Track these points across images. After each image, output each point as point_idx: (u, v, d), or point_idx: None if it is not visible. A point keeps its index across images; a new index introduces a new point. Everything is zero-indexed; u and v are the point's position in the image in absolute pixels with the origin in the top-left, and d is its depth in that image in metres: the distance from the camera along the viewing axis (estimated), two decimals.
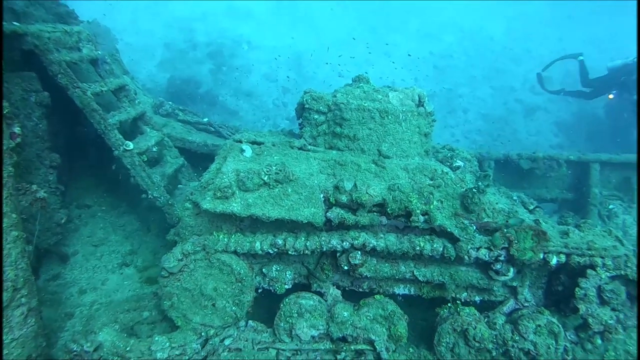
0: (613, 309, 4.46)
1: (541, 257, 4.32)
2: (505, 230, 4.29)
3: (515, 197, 5.64)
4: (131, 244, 6.38)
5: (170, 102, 7.48)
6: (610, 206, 7.99)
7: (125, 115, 5.78)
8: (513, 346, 4.50)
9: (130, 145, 5.40)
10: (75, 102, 5.22)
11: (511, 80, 18.64)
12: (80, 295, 5.47)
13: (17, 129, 3.63)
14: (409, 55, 17.61)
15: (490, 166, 7.82)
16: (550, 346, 4.51)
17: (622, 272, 4.38)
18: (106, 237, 6.44)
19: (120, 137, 5.37)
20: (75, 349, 3.90)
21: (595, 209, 7.87)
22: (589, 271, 4.41)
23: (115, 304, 5.05)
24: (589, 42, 22.66)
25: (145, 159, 5.63)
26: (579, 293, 4.42)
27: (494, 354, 4.56)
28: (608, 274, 4.40)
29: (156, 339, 4.15)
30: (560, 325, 4.51)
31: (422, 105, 4.82)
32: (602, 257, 4.39)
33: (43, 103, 5.27)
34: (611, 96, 12.67)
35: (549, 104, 17.59)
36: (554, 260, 4.37)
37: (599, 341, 4.57)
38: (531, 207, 5.25)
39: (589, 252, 4.38)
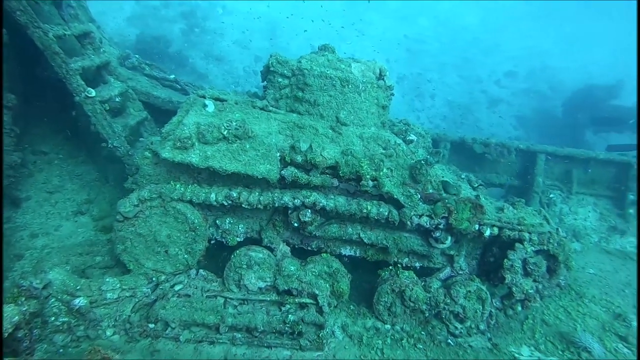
0: (534, 280, 4.94)
1: (476, 228, 4.70)
2: (446, 200, 4.63)
3: (463, 176, 6.02)
4: (88, 194, 6.36)
5: (137, 56, 7.34)
6: (551, 195, 8.60)
7: (89, 62, 5.69)
8: (444, 308, 4.93)
9: (92, 92, 5.35)
10: (35, 43, 5.09)
11: (479, 71, 19.21)
12: (31, 239, 5.46)
13: None
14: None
15: (446, 147, 8.22)
16: (477, 310, 4.97)
17: (545, 248, 4.84)
18: (62, 185, 6.39)
19: (82, 83, 5.31)
20: (23, 284, 3.96)
21: (537, 196, 8.46)
22: (517, 245, 4.84)
23: (68, 247, 5.10)
24: (557, 41, 23.51)
25: (107, 108, 5.59)
26: (506, 264, 4.86)
27: (427, 315, 4.97)
28: (533, 248, 4.85)
29: (107, 279, 4.28)
30: (487, 293, 4.96)
31: (382, 79, 5.04)
32: (530, 233, 4.82)
33: None
34: None
35: (512, 97, 18.27)
36: (487, 232, 4.76)
37: (519, 308, 5.06)
38: (475, 185, 5.64)
39: (519, 227, 4.81)
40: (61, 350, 3.98)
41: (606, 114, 15.06)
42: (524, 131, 16.91)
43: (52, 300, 4.05)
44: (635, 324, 5.50)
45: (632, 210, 8.49)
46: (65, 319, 4.06)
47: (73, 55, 5.66)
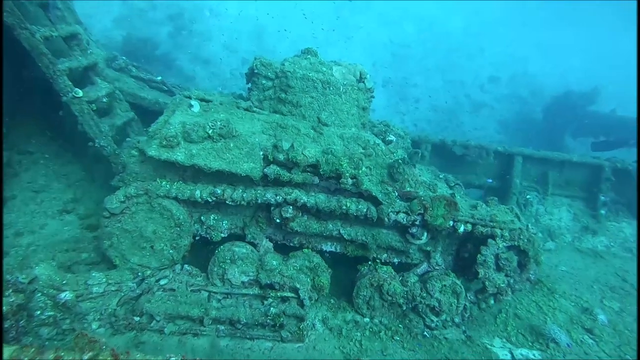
0: (506, 275, 5.18)
1: (451, 224, 4.92)
2: (422, 198, 4.85)
3: (441, 176, 6.27)
4: (74, 193, 6.42)
5: (123, 57, 7.45)
6: (528, 196, 8.92)
7: (76, 63, 5.80)
8: (421, 302, 5.12)
9: (80, 92, 5.45)
10: (22, 44, 5.17)
11: (462, 76, 19.64)
12: (16, 237, 5.50)
13: None
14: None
15: (427, 149, 8.47)
16: (452, 304, 5.18)
17: (516, 243, 5.08)
18: (48, 184, 6.45)
19: (70, 83, 5.41)
20: (9, 279, 4.04)
21: (514, 197, 8.76)
22: (489, 240, 5.08)
23: (54, 244, 5.18)
24: (536, 47, 24.14)
25: (95, 108, 5.69)
26: (480, 259, 5.09)
27: (404, 308, 5.17)
28: (505, 244, 5.09)
29: (93, 274, 4.38)
30: (462, 287, 5.17)
31: (363, 82, 5.26)
32: (501, 229, 5.06)
33: None
34: None
35: (495, 102, 18.71)
36: (461, 228, 4.99)
37: (492, 302, 5.29)
38: (452, 184, 5.89)
39: (491, 224, 5.05)
40: (47, 343, 4.07)
41: (606, 137, 15.08)
42: (507, 135, 17.33)
43: (38, 294, 4.13)
44: (601, 317, 5.78)
45: (604, 211, 8.85)
46: (51, 313, 4.14)
47: (60, 57, 5.75)
